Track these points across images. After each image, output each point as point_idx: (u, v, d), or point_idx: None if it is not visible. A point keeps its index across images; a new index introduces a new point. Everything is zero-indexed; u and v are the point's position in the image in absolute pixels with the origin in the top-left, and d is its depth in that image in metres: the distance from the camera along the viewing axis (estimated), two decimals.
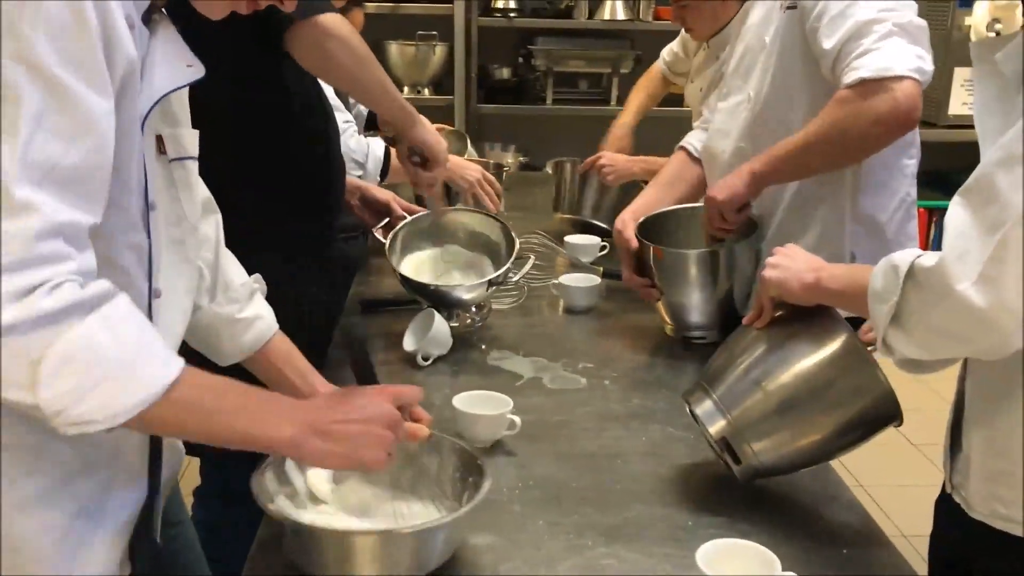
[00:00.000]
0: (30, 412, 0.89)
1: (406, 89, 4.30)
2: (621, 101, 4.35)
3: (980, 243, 1.00)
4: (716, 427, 1.27)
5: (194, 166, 1.21)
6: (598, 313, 2.07)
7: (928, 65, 1.63)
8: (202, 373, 0.99)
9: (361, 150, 2.29)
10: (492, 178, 2.35)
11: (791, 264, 1.28)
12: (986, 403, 1.16)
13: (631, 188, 2.58)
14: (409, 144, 1.84)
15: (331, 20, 1.67)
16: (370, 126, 2.60)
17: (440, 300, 1.85)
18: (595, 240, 2.38)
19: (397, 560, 1.10)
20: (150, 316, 1.08)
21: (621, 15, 4.35)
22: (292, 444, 1.02)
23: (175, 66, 1.08)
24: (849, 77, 1.63)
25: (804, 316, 1.27)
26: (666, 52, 2.91)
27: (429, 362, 1.75)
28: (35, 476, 1.01)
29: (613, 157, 2.59)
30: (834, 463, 1.39)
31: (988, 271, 0.99)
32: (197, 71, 1.10)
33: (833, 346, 1.23)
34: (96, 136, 0.91)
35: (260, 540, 1.21)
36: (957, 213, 1.04)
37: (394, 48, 4.23)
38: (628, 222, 1.95)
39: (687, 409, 1.34)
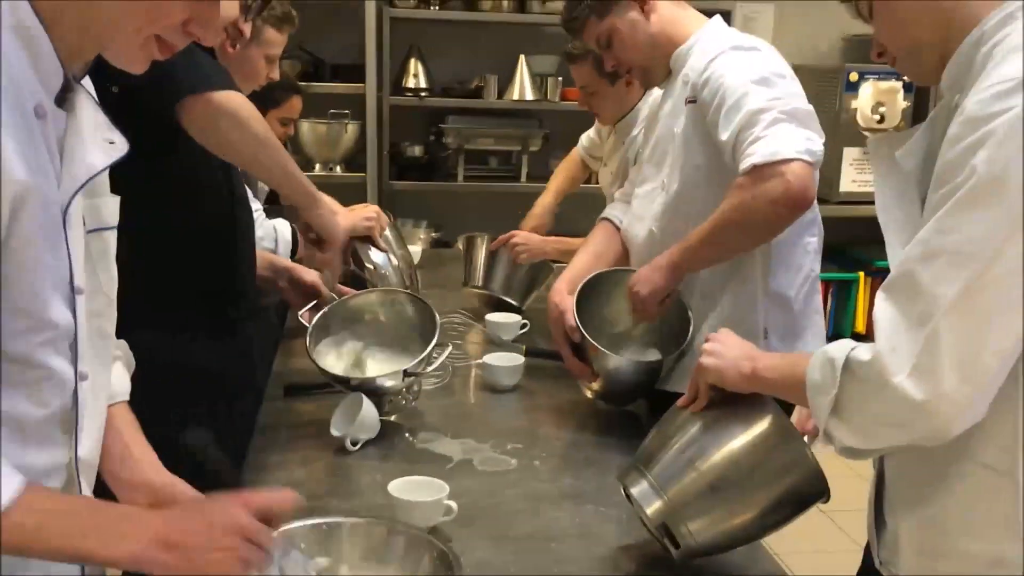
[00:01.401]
0: None
1: (318, 166, 4.30)
2: (531, 178, 4.47)
3: (910, 336, 1.05)
4: (652, 508, 1.30)
5: (112, 236, 1.16)
6: (522, 391, 2.09)
7: (817, 146, 1.73)
8: (46, 493, 0.96)
9: (269, 236, 2.29)
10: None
11: (727, 352, 1.32)
12: (913, 487, 1.20)
13: (541, 267, 2.64)
14: (304, 223, 1.86)
15: (226, 97, 1.65)
16: (272, 199, 2.61)
17: (368, 390, 1.84)
18: (515, 318, 2.41)
19: None
20: (75, 401, 1.04)
21: (529, 95, 4.47)
22: (134, 560, 0.97)
23: (98, 145, 1.04)
24: (744, 164, 1.72)
25: (734, 396, 1.31)
26: (584, 137, 3.01)
27: (357, 447, 1.74)
28: None
29: (527, 236, 2.64)
30: None
31: (922, 362, 1.04)
32: (119, 148, 1.06)
33: (762, 425, 1.28)
34: None
35: None
36: (884, 308, 1.10)
37: (306, 126, 4.24)
38: (564, 295, 1.98)
39: (622, 490, 1.37)
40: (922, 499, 1.19)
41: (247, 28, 1.93)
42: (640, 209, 2.04)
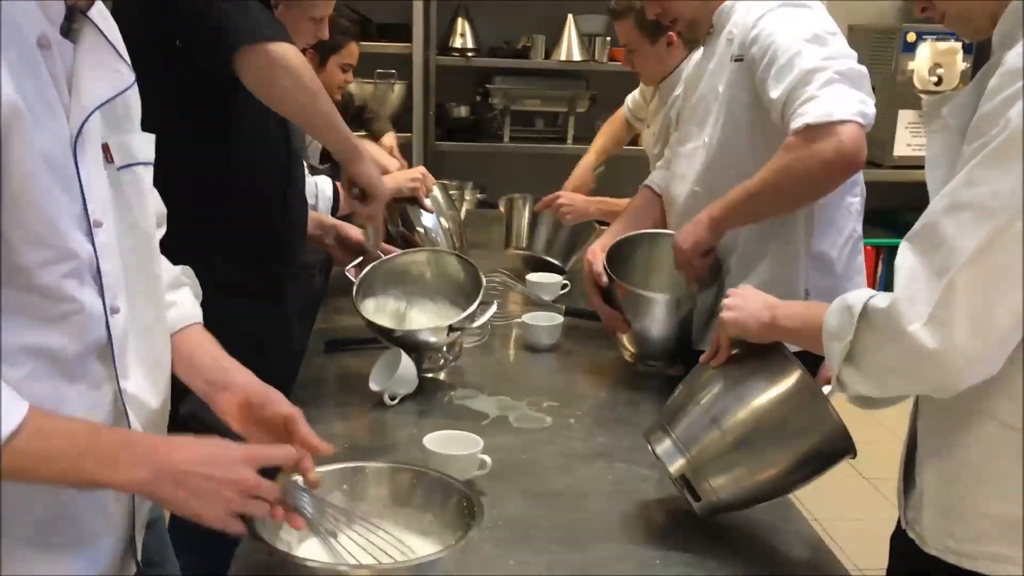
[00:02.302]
0: None
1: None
2: (577, 139, 4.45)
3: (928, 286, 1.05)
4: (676, 466, 1.31)
5: (146, 172, 1.18)
6: (560, 351, 2.10)
7: (870, 109, 1.70)
8: (50, 417, 0.98)
9: (311, 192, 2.31)
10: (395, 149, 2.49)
11: (746, 304, 1.33)
12: (937, 439, 1.20)
13: (583, 228, 2.63)
14: (349, 178, 1.87)
15: (280, 48, 1.68)
16: (327, 158, 2.63)
17: (405, 343, 1.86)
18: (556, 279, 2.42)
19: None
20: (109, 334, 1.07)
21: (577, 56, 4.43)
22: (146, 485, 1.01)
23: (104, 75, 1.06)
24: (795, 123, 1.69)
25: (758, 354, 1.31)
26: (629, 98, 2.98)
27: (395, 401, 1.76)
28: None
29: (572, 196, 2.64)
30: (791, 497, 1.44)
31: (938, 313, 1.04)
32: (126, 78, 1.09)
33: (786, 384, 1.28)
34: None
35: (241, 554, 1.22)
36: (906, 257, 1.09)
37: (353, 86, 4.24)
38: (598, 253, 2.00)
39: (649, 448, 1.38)
40: (943, 456, 1.18)
41: None
42: (682, 168, 2.03)
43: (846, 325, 1.14)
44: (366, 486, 1.28)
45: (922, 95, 4.31)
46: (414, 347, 1.86)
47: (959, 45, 4.35)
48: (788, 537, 1.38)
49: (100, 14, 1.09)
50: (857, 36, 4.45)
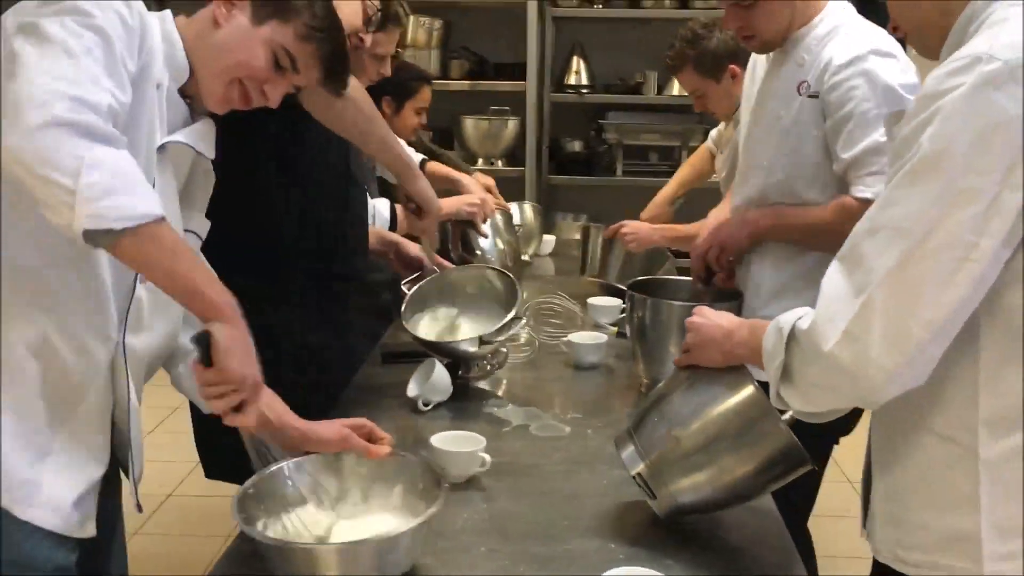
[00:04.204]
0: (61, 202, 1.09)
1: (480, 161, 4.54)
2: None
3: (846, 306, 1.10)
4: (635, 470, 1.39)
5: (196, 243, 1.48)
6: (605, 370, 2.19)
7: None
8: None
9: (369, 213, 2.49)
10: (491, 185, 2.63)
11: (704, 343, 1.37)
12: (886, 453, 1.24)
13: (657, 255, 2.70)
14: (406, 194, 2.04)
15: None
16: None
17: (449, 354, 2.01)
18: (616, 302, 2.50)
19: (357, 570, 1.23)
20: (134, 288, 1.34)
21: None
22: (224, 310, 1.21)
23: (199, 136, 1.36)
24: (859, 192, 1.79)
25: (718, 370, 1.37)
26: (714, 131, 3.04)
27: (429, 407, 1.91)
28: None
29: (636, 225, 2.72)
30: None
31: (852, 330, 1.09)
32: (209, 151, 1.42)
33: (739, 398, 1.33)
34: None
35: (234, 547, 1.38)
36: (831, 278, 1.14)
37: (470, 122, 4.49)
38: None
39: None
40: (890, 468, 1.21)
41: (368, 38, 2.13)
42: (737, 187, 2.10)
43: (777, 346, 1.20)
44: (348, 462, 1.42)
45: None
46: (454, 357, 2.00)
47: None
48: (757, 542, 1.43)
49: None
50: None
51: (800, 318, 1.17)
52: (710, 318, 1.38)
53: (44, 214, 1.13)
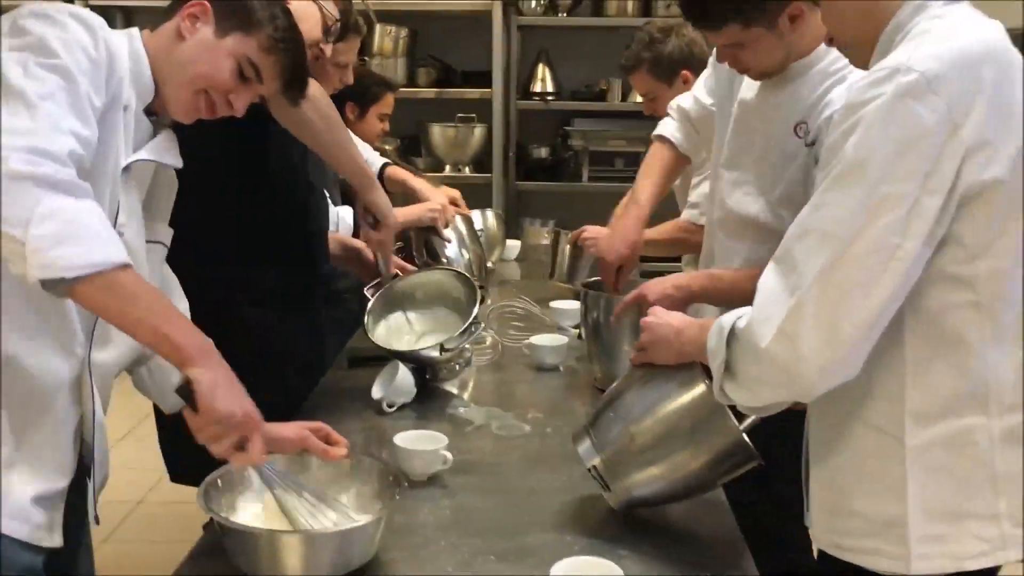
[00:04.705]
0: (14, 252, 1.12)
1: (448, 167, 4.59)
2: None
3: (781, 306, 1.16)
4: (591, 463, 1.44)
5: (162, 252, 1.52)
6: (566, 371, 2.24)
7: None
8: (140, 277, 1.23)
9: (333, 221, 2.52)
10: (456, 196, 2.63)
11: (657, 342, 1.43)
12: (822, 444, 1.30)
13: None
14: (363, 205, 2.08)
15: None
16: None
17: (413, 360, 2.05)
18: (578, 305, 2.56)
19: (319, 560, 1.29)
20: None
21: None
22: (199, 351, 1.22)
23: (163, 149, 1.40)
24: None
25: (672, 367, 1.43)
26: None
27: (394, 409, 1.95)
28: None
29: (596, 230, 2.77)
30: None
31: (786, 328, 1.15)
32: (175, 161, 1.46)
33: (690, 396, 1.39)
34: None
35: (199, 546, 1.42)
36: (765, 280, 1.21)
37: (436, 129, 4.54)
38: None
39: None
40: (826, 459, 1.28)
41: (328, 48, 2.18)
42: (726, 197, 1.95)
43: (720, 345, 1.26)
44: (313, 463, 1.47)
45: None
46: (416, 362, 2.05)
47: None
48: (709, 534, 1.48)
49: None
50: None
51: (740, 318, 1.23)
52: (662, 318, 1.44)
53: (6, 266, 1.16)
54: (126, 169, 1.35)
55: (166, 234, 1.52)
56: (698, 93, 2.21)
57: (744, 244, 1.90)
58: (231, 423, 1.25)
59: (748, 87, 1.89)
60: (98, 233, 1.16)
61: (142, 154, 1.38)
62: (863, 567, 1.26)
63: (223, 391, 1.23)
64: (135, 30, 1.40)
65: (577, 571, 1.24)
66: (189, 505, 3.21)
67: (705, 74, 2.20)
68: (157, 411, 2.01)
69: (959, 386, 1.17)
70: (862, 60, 1.31)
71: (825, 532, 1.30)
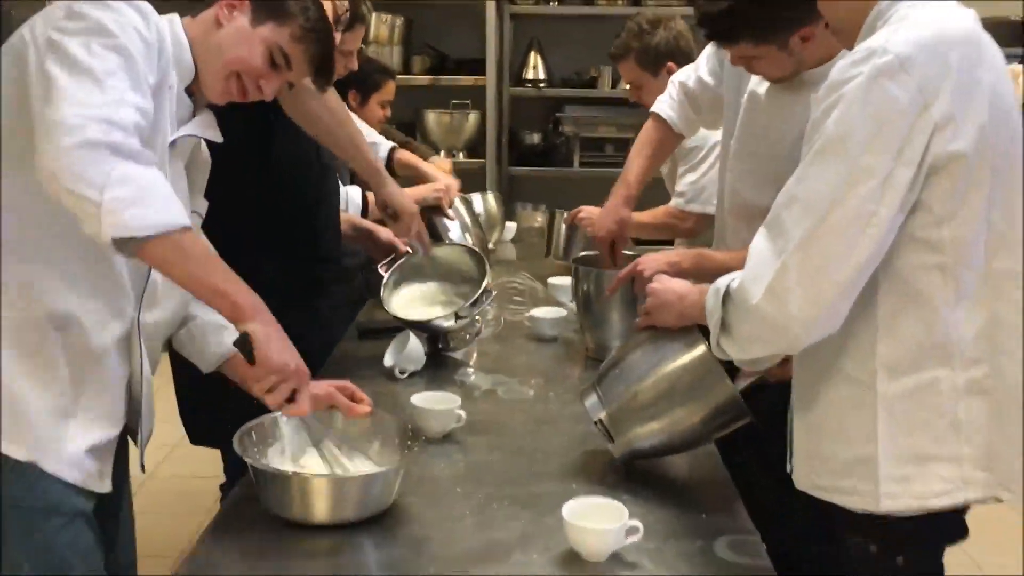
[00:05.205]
0: (89, 214, 1.23)
1: (442, 153, 4.70)
2: None
3: (769, 268, 1.29)
4: (597, 416, 1.57)
5: (198, 221, 1.63)
6: (564, 341, 2.37)
7: None
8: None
9: (343, 199, 2.63)
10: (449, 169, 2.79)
11: (663, 306, 1.55)
12: (804, 395, 1.43)
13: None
14: (380, 199, 2.20)
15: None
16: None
17: (428, 330, 2.18)
18: None
19: (345, 502, 1.42)
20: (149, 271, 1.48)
21: None
22: (251, 309, 1.35)
23: (206, 126, 1.54)
24: None
25: (674, 330, 1.56)
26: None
27: (405, 375, 2.08)
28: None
29: (591, 210, 2.90)
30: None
31: (774, 287, 1.28)
32: (216, 136, 1.58)
33: (691, 356, 1.52)
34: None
35: (234, 496, 1.54)
36: (756, 243, 1.34)
37: (432, 115, 4.65)
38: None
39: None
40: (808, 408, 1.41)
41: (337, 37, 2.27)
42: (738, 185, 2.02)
43: (716, 304, 1.39)
44: (338, 419, 1.60)
45: None
46: (430, 331, 2.17)
47: (1020, 68, 4.40)
48: (704, 484, 1.62)
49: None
50: None
51: (733, 279, 1.37)
52: (666, 284, 1.57)
53: (80, 225, 1.27)
54: (171, 144, 1.47)
55: (202, 205, 1.64)
56: (700, 71, 2.26)
57: (754, 229, 1.97)
58: (285, 373, 1.38)
59: (758, 81, 1.93)
60: (165, 197, 1.29)
61: (188, 129, 1.50)
62: (838, 505, 1.39)
63: (277, 344, 1.37)
64: (175, 16, 1.51)
65: (587, 509, 1.37)
66: (197, 480, 3.37)
67: (708, 51, 2.22)
68: (177, 379, 2.13)
69: (925, 341, 1.30)
70: (849, 42, 1.44)
71: (805, 475, 1.43)
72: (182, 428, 2.23)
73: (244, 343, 1.35)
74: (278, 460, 1.54)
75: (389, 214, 2.23)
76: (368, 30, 4.43)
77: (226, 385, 1.63)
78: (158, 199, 1.27)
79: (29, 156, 1.28)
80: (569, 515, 1.35)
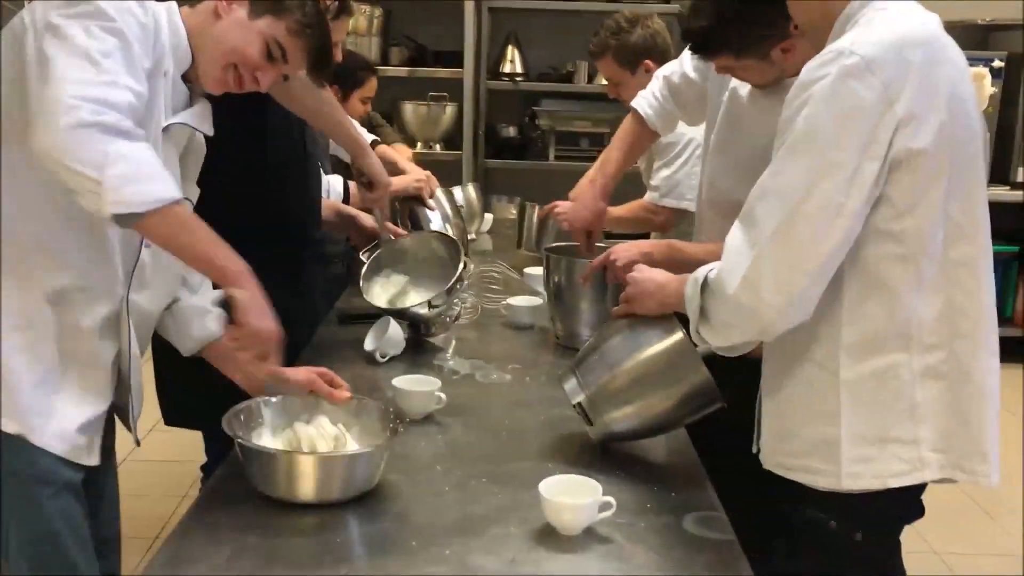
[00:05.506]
0: (89, 191, 1.28)
1: (419, 144, 4.74)
2: None
3: (744, 257, 1.36)
4: (576, 400, 1.63)
5: (189, 208, 1.64)
6: (540, 329, 2.43)
7: None
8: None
9: (324, 189, 2.66)
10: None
11: (642, 294, 1.61)
12: (773, 380, 1.50)
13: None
14: (357, 169, 2.25)
15: None
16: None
17: (404, 317, 2.23)
18: None
19: (331, 480, 1.47)
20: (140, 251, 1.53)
21: None
22: (240, 275, 1.41)
23: (200, 116, 1.58)
24: None
25: (652, 318, 1.62)
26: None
27: (386, 360, 2.13)
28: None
29: (567, 204, 2.95)
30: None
31: (749, 276, 1.35)
32: (208, 129, 1.62)
33: (668, 342, 1.59)
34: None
35: (219, 475, 1.59)
36: (732, 235, 1.41)
37: (409, 107, 4.69)
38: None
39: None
40: (776, 391, 1.48)
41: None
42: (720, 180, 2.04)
43: (695, 293, 1.46)
44: (321, 403, 1.64)
45: None
46: (408, 317, 2.22)
47: (986, 70, 4.52)
48: (674, 466, 1.69)
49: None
50: None
51: (712, 270, 1.43)
52: (646, 273, 1.63)
53: (78, 201, 1.32)
54: (165, 130, 1.51)
55: (194, 193, 1.68)
56: (685, 66, 2.28)
57: (729, 221, 2.01)
58: (259, 337, 1.45)
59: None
60: (160, 173, 1.34)
61: (181, 118, 1.54)
62: (803, 484, 1.46)
63: (256, 310, 1.43)
64: (173, 3, 1.55)
65: (562, 486, 1.43)
66: (172, 464, 3.39)
67: None
68: (156, 360, 2.16)
69: (886, 327, 1.38)
70: (819, 45, 1.50)
71: (773, 455, 1.50)
72: (157, 411, 2.25)
73: (226, 304, 1.45)
74: (263, 442, 1.57)
75: (364, 183, 2.28)
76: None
77: (207, 368, 1.67)
78: (154, 175, 1.32)
79: (24, 136, 1.32)
80: (546, 491, 1.41)
